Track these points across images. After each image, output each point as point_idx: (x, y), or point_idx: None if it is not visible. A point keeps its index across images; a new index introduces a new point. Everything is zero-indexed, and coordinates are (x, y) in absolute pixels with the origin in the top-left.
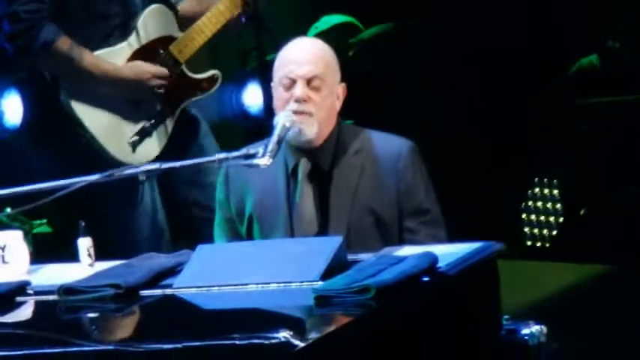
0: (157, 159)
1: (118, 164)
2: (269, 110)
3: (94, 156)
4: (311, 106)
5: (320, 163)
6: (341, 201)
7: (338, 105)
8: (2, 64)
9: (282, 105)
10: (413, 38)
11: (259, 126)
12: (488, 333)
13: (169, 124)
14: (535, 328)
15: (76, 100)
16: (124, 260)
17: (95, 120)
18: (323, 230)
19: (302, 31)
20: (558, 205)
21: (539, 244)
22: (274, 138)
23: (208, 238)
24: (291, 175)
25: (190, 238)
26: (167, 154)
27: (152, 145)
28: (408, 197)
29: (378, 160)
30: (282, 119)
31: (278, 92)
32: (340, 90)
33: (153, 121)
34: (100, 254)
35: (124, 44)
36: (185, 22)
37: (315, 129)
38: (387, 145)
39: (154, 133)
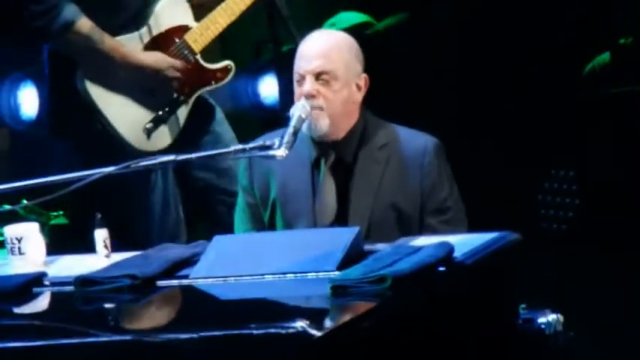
0: (171, 147)
1: (133, 151)
2: (284, 101)
3: (109, 142)
4: (321, 100)
5: (343, 156)
6: (363, 195)
7: (359, 97)
8: (18, 56)
9: (297, 100)
10: (430, 29)
11: (275, 117)
12: (505, 322)
13: (183, 112)
14: (551, 317)
15: (92, 87)
16: (139, 250)
17: (111, 106)
18: (344, 223)
19: (318, 22)
20: (574, 197)
21: (555, 234)
22: (290, 129)
23: (224, 223)
24: (314, 166)
25: (207, 222)
26: (181, 142)
27: (166, 133)
28: (431, 194)
29: (403, 155)
30: (297, 110)
31: (294, 87)
32: (362, 81)
33: (167, 109)
34: (116, 243)
35: (140, 32)
36: (200, 11)
37: (326, 123)
38: (413, 141)
39: (168, 121)
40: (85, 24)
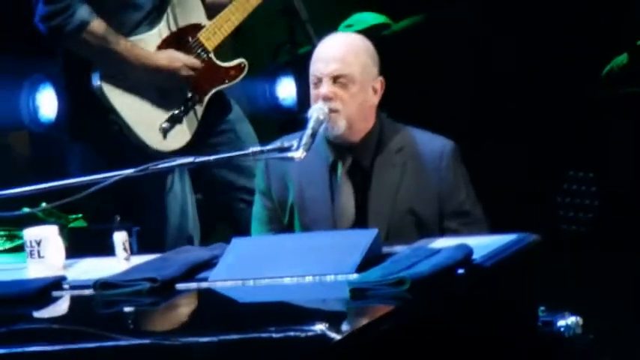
0: (188, 145)
1: (150, 151)
2: (302, 103)
3: (126, 143)
4: (338, 103)
5: (360, 160)
6: (381, 200)
7: (375, 100)
8: (37, 58)
9: (314, 103)
10: (446, 30)
11: (292, 119)
12: (524, 325)
13: (199, 111)
14: (571, 320)
15: (108, 88)
16: (157, 252)
17: (127, 107)
18: (362, 227)
19: (335, 24)
20: (593, 198)
21: (574, 236)
22: (308, 131)
23: (244, 221)
24: (331, 170)
25: (225, 223)
26: (198, 140)
27: (182, 132)
28: (448, 198)
29: (420, 159)
30: (315, 112)
31: (311, 90)
32: (378, 85)
33: (182, 108)
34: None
35: (153, 32)
36: (212, 9)
37: (343, 125)
38: (430, 145)
39: (184, 120)
40: (99, 25)
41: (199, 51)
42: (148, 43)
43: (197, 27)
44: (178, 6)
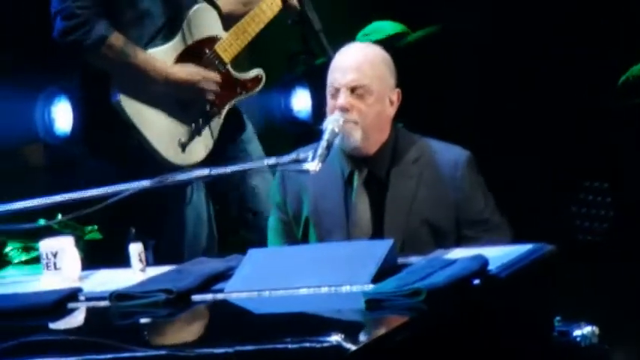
0: (206, 159)
1: (169, 165)
2: (317, 115)
3: (145, 157)
4: (355, 114)
5: (376, 171)
6: (398, 211)
7: (391, 111)
8: (52, 71)
9: (331, 113)
10: (461, 41)
11: (308, 130)
12: (540, 335)
13: (216, 124)
14: (587, 330)
15: (127, 101)
16: (175, 263)
17: (146, 121)
18: (378, 239)
19: (351, 34)
20: (608, 208)
21: (590, 246)
22: (323, 143)
23: (253, 238)
24: (347, 182)
25: (237, 237)
26: (215, 154)
27: (200, 146)
28: (465, 208)
29: (435, 169)
30: (330, 124)
31: (327, 100)
32: (395, 96)
33: (201, 121)
34: (152, 256)
35: (170, 45)
36: (228, 21)
37: (359, 136)
38: (445, 155)
39: (203, 133)
40: (117, 38)
41: (216, 63)
42: (165, 56)
43: (213, 39)
44: (194, 18)
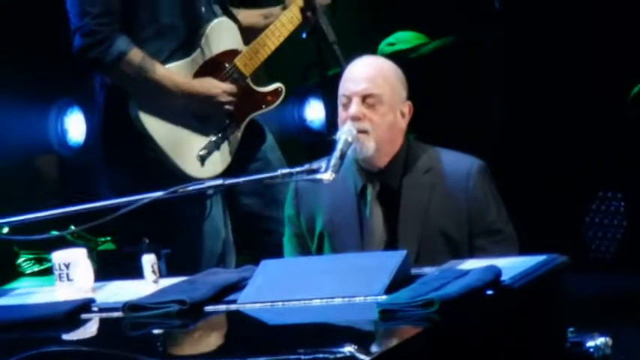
0: (225, 172)
1: (188, 178)
2: (331, 125)
3: (163, 170)
4: (367, 123)
5: (389, 183)
6: (411, 221)
7: (403, 123)
8: (65, 82)
9: (343, 123)
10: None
11: (322, 141)
12: (553, 345)
13: (236, 137)
14: (600, 341)
15: (145, 116)
16: (190, 274)
17: (164, 134)
18: (392, 250)
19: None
20: (622, 218)
21: (603, 257)
22: (337, 153)
23: (269, 251)
24: (360, 195)
25: (252, 249)
26: (236, 167)
27: (219, 159)
28: (478, 217)
29: (448, 180)
30: (344, 134)
31: (339, 110)
32: (406, 108)
33: (220, 134)
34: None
35: (189, 59)
36: (248, 34)
37: (372, 146)
38: (457, 164)
39: (222, 147)
40: (136, 54)
41: (236, 76)
42: (185, 70)
43: (233, 53)
44: (214, 32)
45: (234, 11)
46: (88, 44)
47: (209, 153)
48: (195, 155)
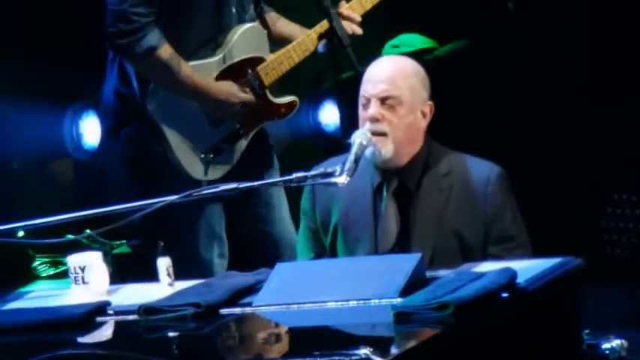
0: (225, 178)
1: (188, 179)
2: (345, 129)
3: (166, 167)
4: (385, 125)
5: (406, 183)
6: (427, 223)
7: (424, 124)
8: (80, 86)
9: (362, 124)
10: (490, 55)
11: (336, 145)
12: (569, 348)
13: (242, 145)
14: (616, 343)
15: (160, 111)
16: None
17: (174, 132)
18: (406, 250)
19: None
20: (638, 222)
21: (619, 260)
22: (351, 157)
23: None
24: (377, 192)
25: (254, 253)
26: (235, 175)
27: (224, 164)
28: (494, 222)
29: (466, 184)
30: (358, 137)
31: (360, 110)
32: (427, 108)
33: (227, 140)
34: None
35: (214, 59)
36: (279, 42)
37: (390, 148)
38: (476, 169)
39: (227, 153)
40: (166, 50)
41: (256, 85)
42: (208, 69)
43: (258, 60)
44: (243, 36)
45: (274, 15)
46: (121, 30)
47: (214, 156)
48: (201, 156)
